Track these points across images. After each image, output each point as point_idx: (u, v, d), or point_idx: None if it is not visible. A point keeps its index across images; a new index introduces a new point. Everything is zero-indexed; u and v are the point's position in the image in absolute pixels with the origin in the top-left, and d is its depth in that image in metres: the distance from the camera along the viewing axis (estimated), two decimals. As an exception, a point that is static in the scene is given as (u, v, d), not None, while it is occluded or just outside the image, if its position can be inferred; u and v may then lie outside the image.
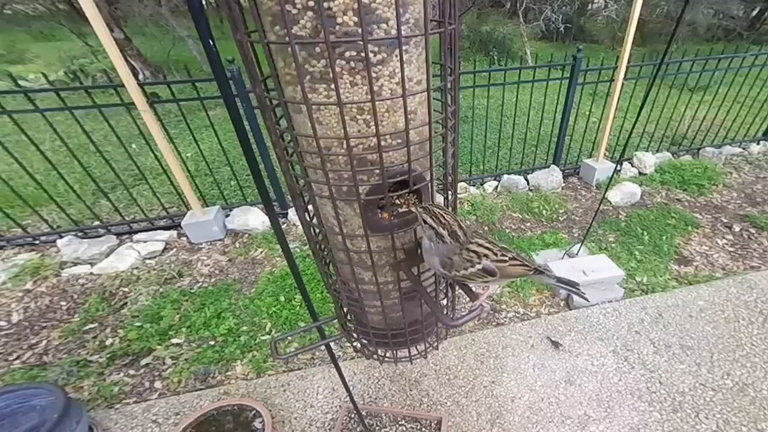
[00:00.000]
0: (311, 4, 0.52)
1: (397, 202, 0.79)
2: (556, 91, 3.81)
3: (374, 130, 0.61)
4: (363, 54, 0.56)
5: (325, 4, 0.52)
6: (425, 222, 0.72)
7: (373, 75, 0.59)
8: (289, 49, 0.54)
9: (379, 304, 0.88)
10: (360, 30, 0.53)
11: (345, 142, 0.61)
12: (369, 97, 0.58)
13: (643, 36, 9.61)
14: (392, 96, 0.61)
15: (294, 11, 0.54)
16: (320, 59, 0.57)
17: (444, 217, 0.72)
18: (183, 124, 3.23)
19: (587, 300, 1.02)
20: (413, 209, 0.76)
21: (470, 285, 0.84)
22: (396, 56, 0.59)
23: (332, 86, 0.58)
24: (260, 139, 3.08)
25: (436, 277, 0.96)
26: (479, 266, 0.76)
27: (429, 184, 0.76)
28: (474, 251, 0.77)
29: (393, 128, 0.66)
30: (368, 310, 0.94)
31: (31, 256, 2.95)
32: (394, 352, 1.07)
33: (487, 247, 0.78)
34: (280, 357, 1.00)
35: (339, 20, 0.54)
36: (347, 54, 0.57)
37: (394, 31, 0.55)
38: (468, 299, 0.90)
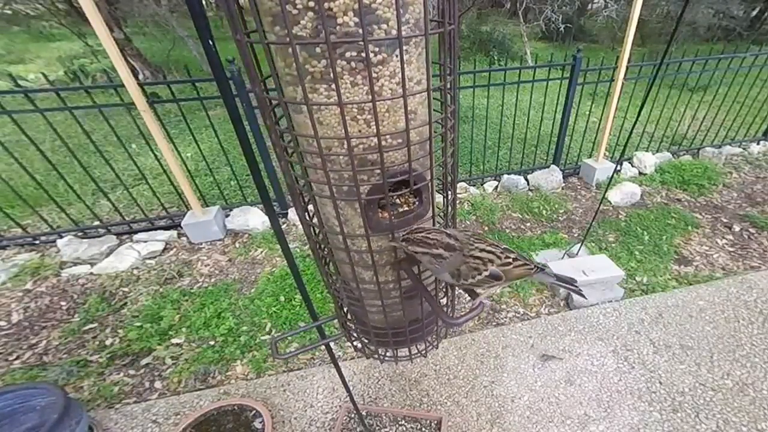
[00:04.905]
0: (311, 4, 0.52)
1: (397, 201, 0.79)
2: (556, 91, 3.81)
3: (375, 130, 0.61)
4: (363, 54, 0.56)
5: (326, 5, 0.52)
6: (416, 253, 0.71)
7: (374, 75, 0.59)
8: (290, 49, 0.54)
9: (380, 303, 0.88)
10: (360, 30, 0.53)
11: (346, 142, 0.61)
12: (369, 97, 0.58)
13: (643, 36, 9.60)
14: (393, 96, 0.61)
15: (294, 11, 0.54)
16: (321, 59, 0.57)
17: (428, 238, 0.70)
18: (183, 124, 3.23)
19: (585, 297, 1.05)
20: (396, 244, 0.74)
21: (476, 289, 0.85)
22: (396, 56, 0.59)
23: (333, 86, 0.58)
24: (260, 139, 3.08)
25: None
26: (486, 273, 0.76)
27: (429, 184, 0.76)
28: (479, 257, 0.76)
29: (393, 128, 0.66)
30: (369, 309, 0.94)
31: (31, 256, 2.95)
32: (395, 351, 1.07)
33: (490, 251, 0.78)
34: (279, 357, 1.00)
35: (339, 20, 0.53)
36: (348, 54, 0.57)
37: (394, 32, 0.55)
38: (468, 297, 0.91)
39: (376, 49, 0.58)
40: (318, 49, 0.56)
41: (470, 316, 0.77)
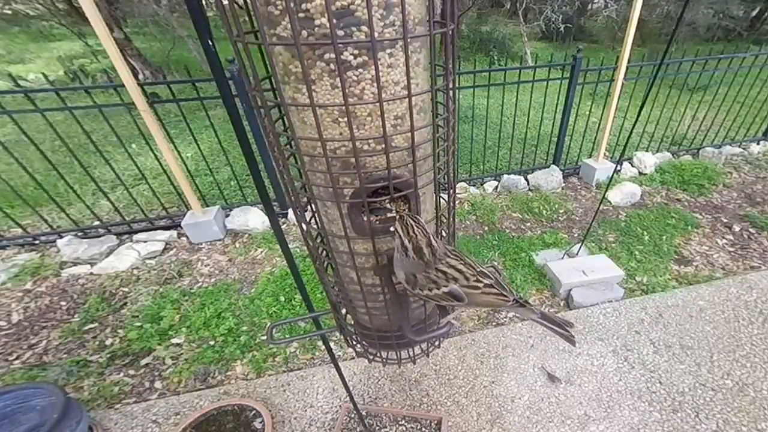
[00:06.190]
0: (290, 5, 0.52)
1: (388, 206, 0.77)
2: (556, 91, 3.81)
3: (358, 133, 0.60)
4: (343, 56, 0.56)
5: (304, 6, 0.52)
6: (395, 229, 0.68)
7: (354, 78, 0.58)
8: (275, 49, 0.54)
9: (365, 306, 0.88)
10: (338, 32, 0.53)
11: (322, 144, 0.60)
12: (350, 100, 0.58)
13: (643, 36, 9.60)
14: (374, 100, 0.60)
15: (276, 12, 0.54)
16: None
17: (414, 229, 0.67)
18: (183, 124, 3.23)
19: (574, 345, 0.89)
20: (394, 214, 0.73)
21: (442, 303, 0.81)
22: (378, 59, 0.59)
23: (313, 87, 0.58)
24: (260, 139, 3.08)
25: None
26: (445, 289, 0.72)
27: (417, 191, 0.73)
28: (443, 272, 0.71)
29: (377, 132, 0.64)
30: (358, 310, 0.94)
31: (31, 256, 2.95)
32: (383, 353, 1.05)
33: (459, 270, 0.73)
34: (274, 342, 1.00)
35: (317, 22, 0.53)
36: (327, 56, 0.56)
37: (376, 34, 0.55)
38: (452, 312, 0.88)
39: (356, 52, 0.57)
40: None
41: (434, 335, 0.75)
